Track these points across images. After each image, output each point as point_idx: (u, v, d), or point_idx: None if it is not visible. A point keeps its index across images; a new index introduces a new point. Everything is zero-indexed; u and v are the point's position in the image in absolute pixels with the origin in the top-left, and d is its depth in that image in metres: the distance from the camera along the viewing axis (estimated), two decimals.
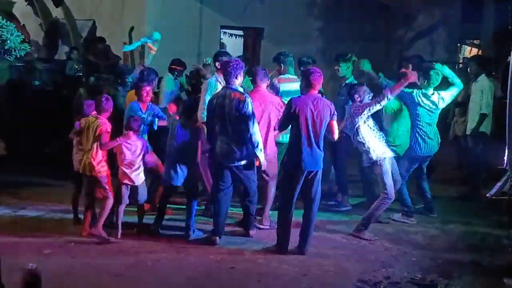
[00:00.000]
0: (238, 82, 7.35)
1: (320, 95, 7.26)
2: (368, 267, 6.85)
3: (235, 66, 7.30)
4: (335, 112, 7.25)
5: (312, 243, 7.32)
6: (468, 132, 9.85)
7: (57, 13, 15.41)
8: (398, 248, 7.57)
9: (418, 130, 8.42)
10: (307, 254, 7.14)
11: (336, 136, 7.35)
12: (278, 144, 8.15)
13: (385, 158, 7.81)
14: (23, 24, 13.85)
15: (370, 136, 7.82)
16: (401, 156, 8.59)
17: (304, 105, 7.03)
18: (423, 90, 8.42)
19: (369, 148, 7.80)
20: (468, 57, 18.48)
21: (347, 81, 9.00)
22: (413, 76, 8.09)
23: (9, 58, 10.93)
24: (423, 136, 8.43)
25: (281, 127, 7.41)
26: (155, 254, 7.04)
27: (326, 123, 7.13)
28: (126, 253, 7.04)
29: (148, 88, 8.19)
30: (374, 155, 7.78)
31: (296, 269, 6.73)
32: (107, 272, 6.43)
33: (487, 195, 9.49)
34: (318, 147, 7.10)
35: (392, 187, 7.86)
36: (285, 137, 7.87)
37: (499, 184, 9.52)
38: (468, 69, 10.44)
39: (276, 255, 7.10)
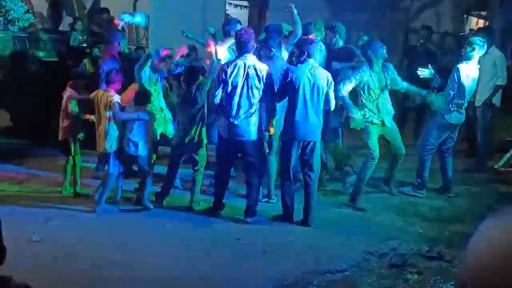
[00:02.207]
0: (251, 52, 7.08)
1: (316, 64, 7.18)
2: (374, 238, 6.85)
3: (247, 35, 7.03)
4: (333, 81, 7.21)
5: (318, 215, 7.31)
6: (477, 104, 9.72)
7: None
8: (405, 220, 7.56)
9: (457, 101, 8.22)
10: (313, 226, 7.13)
11: (332, 106, 7.29)
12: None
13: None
14: None
15: None
16: (431, 125, 8.52)
17: (301, 74, 6.95)
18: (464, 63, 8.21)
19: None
20: (475, 28, 18.28)
21: None
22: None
23: (12, 29, 10.83)
24: (460, 107, 8.28)
25: (279, 97, 7.17)
26: (161, 225, 7.05)
27: (324, 93, 7.07)
28: (132, 224, 7.04)
29: None
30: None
31: (302, 240, 6.73)
32: (113, 242, 6.45)
33: (495, 166, 9.46)
34: (317, 117, 7.06)
35: (376, 149, 7.83)
36: None
37: (507, 155, 9.49)
38: None
39: (282, 226, 7.10)
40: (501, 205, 8.18)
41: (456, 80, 8.10)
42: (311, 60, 7.06)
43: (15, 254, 4.30)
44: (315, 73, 7.02)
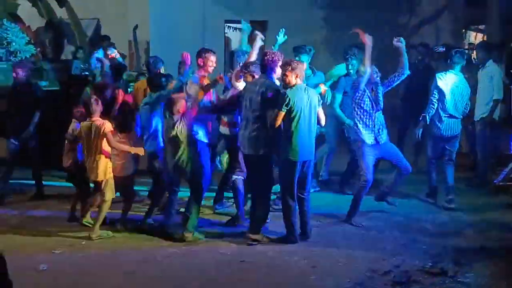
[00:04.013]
0: (276, 75, 7.30)
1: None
2: (377, 256, 6.87)
3: (271, 59, 7.23)
4: (321, 100, 7.40)
5: (321, 234, 7.39)
6: (477, 119, 9.79)
7: (61, 13, 15.45)
8: (407, 236, 7.58)
9: (441, 107, 8.60)
10: (317, 246, 7.17)
11: (323, 122, 7.51)
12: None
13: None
14: (28, 25, 13.91)
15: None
16: (426, 136, 8.90)
17: (300, 96, 7.07)
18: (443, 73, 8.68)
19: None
20: (474, 42, 18.35)
21: None
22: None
23: (14, 60, 10.97)
24: (442, 117, 8.60)
25: (279, 121, 7.11)
26: (165, 249, 7.09)
27: (317, 111, 7.25)
28: (137, 250, 7.08)
29: None
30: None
31: (306, 260, 6.76)
32: (120, 270, 6.49)
33: (495, 181, 9.50)
34: (313, 136, 7.22)
35: (369, 171, 7.89)
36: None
37: (506, 170, 9.52)
38: (475, 55, 10.41)
39: (285, 247, 7.13)
40: (502, 219, 8.24)
41: (434, 86, 8.66)
42: (301, 81, 7.22)
43: (22, 283, 4.37)
44: (308, 93, 7.16)
